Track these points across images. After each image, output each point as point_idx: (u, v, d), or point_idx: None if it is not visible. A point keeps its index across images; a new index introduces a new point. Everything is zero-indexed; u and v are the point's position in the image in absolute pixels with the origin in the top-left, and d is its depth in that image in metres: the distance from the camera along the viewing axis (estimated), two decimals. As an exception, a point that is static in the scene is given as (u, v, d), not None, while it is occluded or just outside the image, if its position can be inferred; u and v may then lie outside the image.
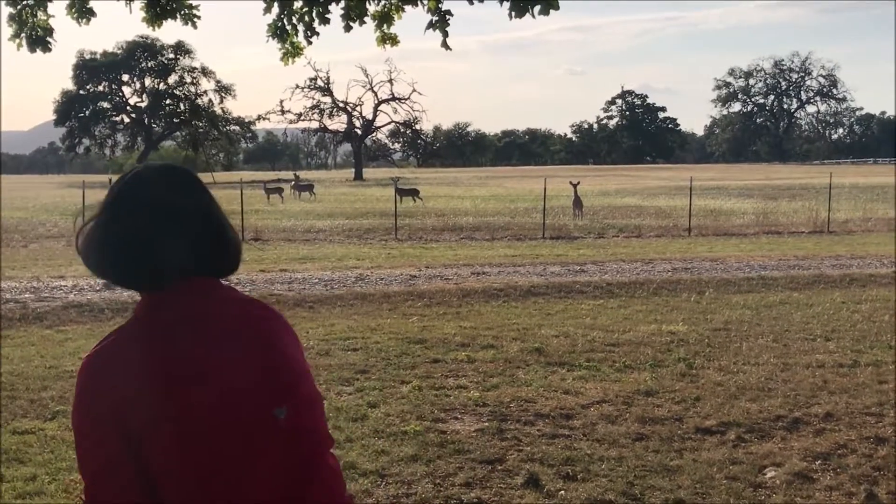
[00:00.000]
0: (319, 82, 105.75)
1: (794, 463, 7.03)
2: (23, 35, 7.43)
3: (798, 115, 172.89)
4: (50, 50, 7.51)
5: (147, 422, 2.09)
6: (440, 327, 12.77)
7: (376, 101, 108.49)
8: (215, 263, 2.31)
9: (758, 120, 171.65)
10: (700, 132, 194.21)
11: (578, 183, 37.46)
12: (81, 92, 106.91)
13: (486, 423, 8.11)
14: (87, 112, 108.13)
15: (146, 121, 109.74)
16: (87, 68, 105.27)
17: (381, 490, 6.55)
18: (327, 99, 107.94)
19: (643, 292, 16.25)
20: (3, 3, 7.51)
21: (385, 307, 14.62)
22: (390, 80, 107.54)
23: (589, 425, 8.06)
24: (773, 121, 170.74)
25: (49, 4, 7.48)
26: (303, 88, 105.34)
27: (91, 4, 7.55)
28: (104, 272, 2.25)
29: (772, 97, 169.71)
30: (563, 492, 6.50)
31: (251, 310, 2.33)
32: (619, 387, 9.37)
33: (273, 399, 2.21)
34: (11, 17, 7.44)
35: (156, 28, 7.75)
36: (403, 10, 7.65)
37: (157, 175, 2.32)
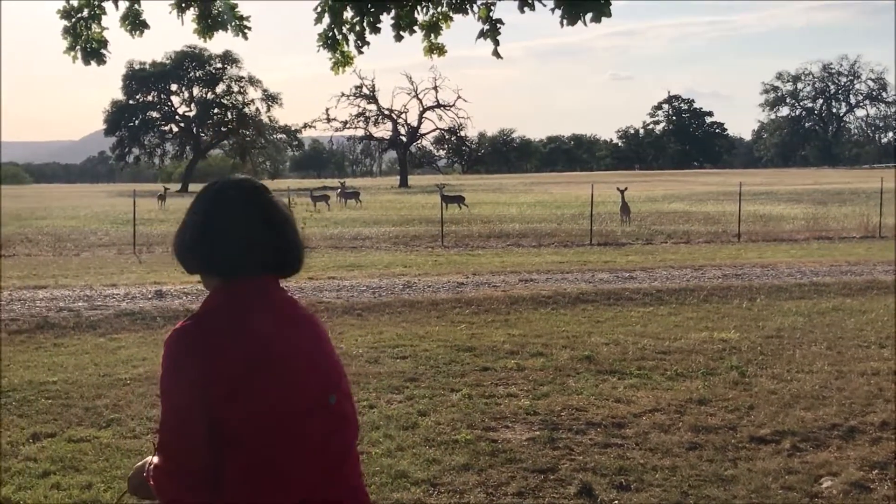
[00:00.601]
0: (365, 90, 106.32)
1: (851, 472, 6.92)
2: (77, 47, 7.51)
3: (847, 119, 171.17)
4: (105, 62, 7.60)
5: (226, 395, 2.49)
6: (489, 335, 12.75)
7: (421, 109, 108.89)
8: (284, 263, 2.76)
9: (806, 124, 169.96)
10: (748, 137, 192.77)
11: (626, 189, 37.29)
12: (131, 102, 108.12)
13: (538, 432, 8.07)
14: (136, 121, 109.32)
15: (194, 130, 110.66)
16: (137, 78, 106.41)
17: (434, 499, 6.54)
18: (373, 107, 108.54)
19: (694, 299, 16.12)
20: (57, 16, 7.60)
21: (433, 314, 14.62)
22: (435, 88, 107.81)
23: (641, 434, 7.99)
24: (821, 125, 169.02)
25: (103, 17, 7.55)
26: (348, 96, 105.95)
27: (144, 17, 7.62)
28: (200, 261, 2.69)
29: (820, 101, 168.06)
30: (616, 502, 6.45)
31: (303, 310, 2.81)
32: (672, 395, 9.29)
33: (328, 387, 2.68)
34: (66, 30, 7.53)
35: (207, 39, 7.81)
36: (452, 19, 7.65)
37: (241, 185, 2.80)
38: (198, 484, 2.54)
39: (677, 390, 9.50)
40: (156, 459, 2.63)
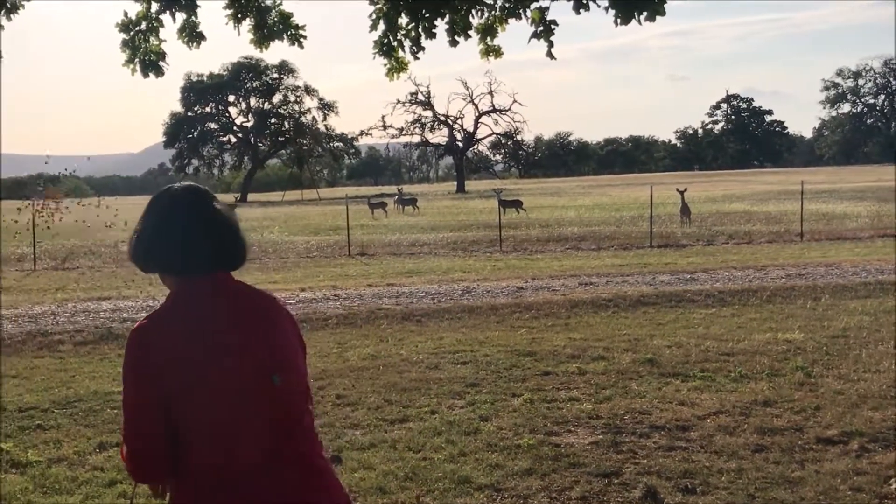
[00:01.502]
0: (420, 97, 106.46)
1: (922, 474, 6.79)
2: (136, 60, 7.60)
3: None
4: (163, 74, 7.68)
5: (183, 382, 2.87)
6: (549, 339, 12.69)
7: (477, 114, 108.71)
8: (230, 259, 3.11)
9: (868, 121, 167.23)
10: (809, 135, 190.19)
11: (685, 189, 36.98)
12: (189, 114, 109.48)
13: (601, 436, 8.01)
14: (195, 133, 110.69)
15: (252, 140, 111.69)
16: (195, 90, 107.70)
17: (497, 504, 6.52)
18: (428, 113, 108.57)
19: (756, 300, 15.93)
20: (115, 29, 7.69)
21: (493, 320, 14.60)
22: (490, 92, 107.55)
23: (706, 437, 7.90)
24: (884, 121, 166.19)
25: (160, 30, 7.64)
26: (404, 103, 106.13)
27: (201, 28, 7.70)
28: (157, 262, 3.07)
29: (882, 97, 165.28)
30: (682, 505, 6.39)
31: (259, 298, 3.15)
32: (736, 397, 9.18)
33: (273, 368, 3.00)
34: (125, 44, 7.62)
35: (263, 49, 7.87)
36: (507, 22, 7.63)
37: (188, 192, 3.13)
38: (159, 465, 2.95)
39: (742, 392, 9.39)
40: (122, 448, 3.03)
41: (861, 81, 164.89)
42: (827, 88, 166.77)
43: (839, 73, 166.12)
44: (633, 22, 6.59)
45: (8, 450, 7.89)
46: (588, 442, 7.86)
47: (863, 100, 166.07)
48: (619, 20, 6.60)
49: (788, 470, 6.98)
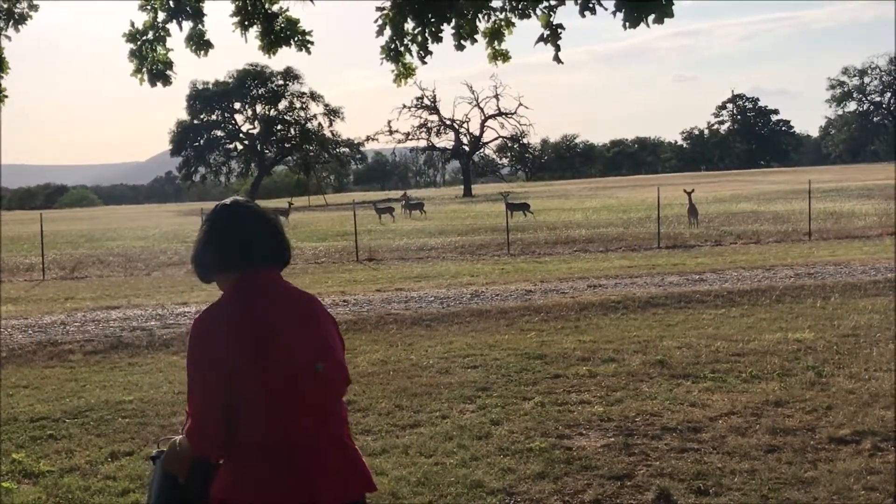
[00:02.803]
0: (426, 101, 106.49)
1: (936, 472, 6.77)
2: (144, 69, 7.62)
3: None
4: (171, 83, 7.71)
5: (241, 367, 3.27)
6: (559, 342, 12.68)
7: (483, 117, 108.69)
8: (280, 257, 3.60)
9: (875, 118, 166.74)
10: (815, 133, 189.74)
11: (693, 191, 36.94)
12: (195, 121, 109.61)
13: (612, 439, 8.00)
14: (201, 141, 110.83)
15: (259, 147, 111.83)
16: (201, 98, 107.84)
17: (510, 509, 6.52)
18: (434, 117, 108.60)
19: (766, 300, 15.91)
20: (123, 39, 7.72)
21: (502, 323, 14.59)
22: (496, 96, 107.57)
23: (718, 438, 7.89)
24: (891, 119, 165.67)
25: (167, 39, 7.66)
26: (410, 108, 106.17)
27: (208, 37, 7.72)
28: (223, 263, 3.52)
29: (888, 95, 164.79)
30: (695, 507, 6.38)
31: (302, 295, 3.62)
32: (747, 398, 9.16)
33: (317, 357, 3.39)
34: (132, 53, 7.65)
35: (271, 56, 7.89)
36: (514, 24, 7.64)
37: (241, 203, 3.64)
38: (219, 439, 3.32)
39: (753, 392, 9.37)
40: (188, 423, 3.42)
41: (867, 79, 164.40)
42: (833, 87, 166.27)
43: (845, 71, 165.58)
44: (642, 24, 6.58)
45: (20, 460, 7.90)
46: (600, 444, 7.85)
47: (869, 98, 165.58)
48: (627, 23, 6.60)
49: (801, 470, 6.96)
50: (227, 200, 3.65)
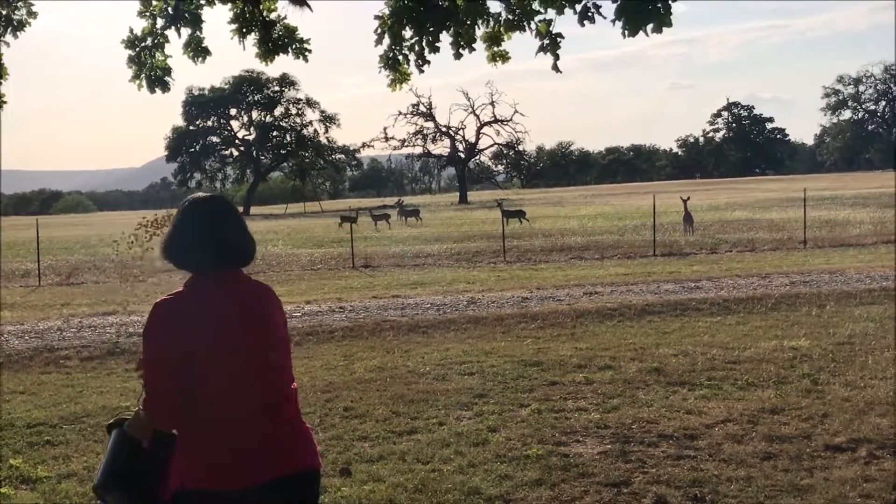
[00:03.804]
0: (422, 108, 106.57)
1: (932, 480, 6.79)
2: (142, 76, 7.64)
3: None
4: (169, 89, 7.73)
5: (198, 347, 3.54)
6: (555, 349, 12.70)
7: (478, 124, 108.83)
8: (235, 258, 3.79)
9: (869, 127, 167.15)
10: (810, 141, 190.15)
11: (688, 198, 37.01)
12: (191, 127, 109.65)
13: (609, 446, 8.02)
14: (197, 147, 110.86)
15: (254, 153, 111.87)
16: (197, 104, 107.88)
17: (507, 515, 6.53)
18: (430, 124, 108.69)
19: (761, 308, 15.94)
20: (122, 45, 7.74)
21: (498, 330, 14.60)
22: (492, 103, 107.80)
23: (714, 445, 7.91)
24: (885, 127, 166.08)
25: (166, 45, 7.67)
26: (406, 115, 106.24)
27: (206, 43, 7.74)
28: (177, 260, 3.74)
29: (883, 103, 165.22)
30: (692, 514, 6.40)
31: (258, 287, 3.87)
32: (744, 405, 9.18)
33: (270, 346, 3.74)
34: (131, 59, 7.67)
35: (268, 63, 7.91)
36: (511, 34, 7.67)
37: (205, 201, 3.82)
38: (173, 409, 3.56)
39: (749, 400, 9.39)
40: (144, 396, 3.62)
41: (862, 88, 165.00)
42: (828, 95, 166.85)
43: (840, 79, 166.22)
44: (641, 33, 6.62)
45: (17, 466, 7.90)
46: (597, 452, 7.87)
47: (864, 106, 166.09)
48: (626, 32, 6.63)
49: (797, 478, 6.98)
50: (200, 195, 3.84)
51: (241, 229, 3.80)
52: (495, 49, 7.93)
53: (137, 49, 7.74)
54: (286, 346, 3.89)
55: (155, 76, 7.78)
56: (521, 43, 8.00)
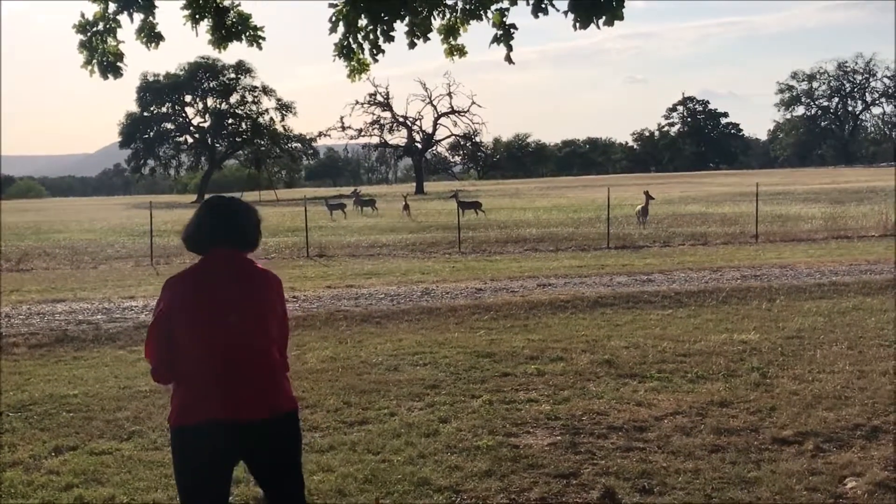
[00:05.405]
0: (379, 98, 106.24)
1: (875, 473, 6.88)
2: (94, 61, 7.53)
3: (863, 118, 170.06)
4: (121, 75, 7.62)
5: (181, 315, 4.40)
6: (508, 340, 12.72)
7: (436, 115, 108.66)
8: (235, 243, 4.61)
9: (822, 123, 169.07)
10: (763, 137, 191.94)
11: (653, 198, 37.30)
12: (145, 114, 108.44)
13: (559, 437, 8.05)
14: (151, 133, 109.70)
15: (209, 140, 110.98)
16: (151, 90, 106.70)
17: (457, 506, 6.53)
18: (387, 114, 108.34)
19: (712, 301, 16.07)
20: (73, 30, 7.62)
21: (452, 321, 14.60)
22: (449, 94, 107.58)
23: (663, 437, 7.96)
24: (837, 124, 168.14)
25: (118, 31, 7.57)
26: (363, 104, 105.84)
27: (159, 29, 7.64)
28: (186, 246, 4.65)
29: (836, 100, 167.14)
30: (640, 506, 6.44)
31: (259, 271, 4.68)
32: (693, 398, 9.25)
33: (237, 311, 4.45)
34: (82, 45, 7.55)
35: (221, 50, 7.83)
36: (469, 23, 7.65)
37: (223, 199, 4.75)
38: (165, 365, 4.45)
39: (698, 393, 9.47)
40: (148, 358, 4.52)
41: (815, 84, 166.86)
42: (782, 91, 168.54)
43: (794, 75, 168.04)
44: (592, 26, 6.63)
45: (-38, 454, 7.79)
46: (547, 443, 7.89)
47: (817, 102, 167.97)
48: (578, 24, 6.64)
49: (745, 470, 7.04)
50: (218, 196, 4.76)
51: (232, 219, 4.61)
52: (452, 42, 7.90)
53: (89, 34, 7.61)
54: (255, 313, 4.53)
55: (107, 62, 7.65)
56: (479, 34, 8.01)
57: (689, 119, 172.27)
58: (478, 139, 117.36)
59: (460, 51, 7.98)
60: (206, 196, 4.24)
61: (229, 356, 4.40)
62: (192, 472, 4.46)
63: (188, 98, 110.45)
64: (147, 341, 4.49)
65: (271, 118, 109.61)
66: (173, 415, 4.46)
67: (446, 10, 7.69)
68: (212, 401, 4.36)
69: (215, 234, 4.55)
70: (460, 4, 7.68)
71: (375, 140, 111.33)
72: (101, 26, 7.52)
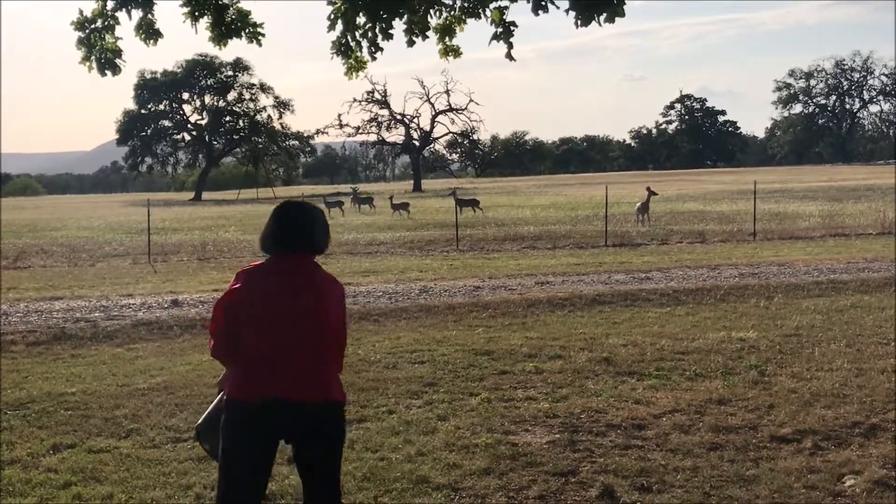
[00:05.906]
0: (377, 95, 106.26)
1: (874, 470, 6.89)
2: (92, 58, 7.52)
3: (861, 115, 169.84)
4: (120, 72, 7.60)
5: (248, 311, 4.77)
6: (506, 338, 12.72)
7: (433, 113, 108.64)
8: (297, 246, 4.89)
9: (820, 121, 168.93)
10: (761, 135, 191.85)
11: (656, 194, 37.32)
12: (143, 111, 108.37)
13: (558, 435, 8.05)
14: (148, 131, 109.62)
15: (207, 138, 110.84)
16: (149, 88, 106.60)
17: (455, 504, 6.53)
18: (385, 112, 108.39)
19: (710, 299, 16.07)
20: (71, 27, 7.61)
21: (450, 319, 14.60)
22: (447, 91, 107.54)
23: (662, 435, 7.96)
24: (835, 121, 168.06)
25: (116, 27, 7.55)
26: (360, 102, 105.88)
27: (157, 25, 7.63)
28: (267, 247, 4.95)
29: (833, 97, 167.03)
30: (638, 503, 6.43)
31: (320, 274, 4.90)
32: (691, 396, 9.25)
33: (290, 309, 4.78)
34: (80, 41, 7.54)
35: (221, 47, 7.82)
36: (466, 22, 7.64)
37: (293, 205, 5.06)
38: (224, 344, 4.84)
39: (697, 390, 9.47)
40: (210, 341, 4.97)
41: (813, 82, 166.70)
42: (779, 89, 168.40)
43: (791, 73, 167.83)
44: (593, 23, 6.63)
45: (-40, 452, 7.78)
46: (545, 441, 7.90)
47: (814, 100, 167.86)
48: (579, 21, 6.64)
49: (743, 468, 7.05)
50: (289, 201, 5.12)
51: (301, 223, 4.92)
52: (448, 43, 7.90)
53: (87, 31, 7.60)
54: (314, 315, 4.81)
55: (105, 59, 7.63)
56: (477, 32, 7.98)
57: (686, 117, 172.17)
58: (475, 137, 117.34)
59: (455, 51, 7.98)
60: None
61: (284, 343, 4.75)
62: (237, 443, 4.79)
63: (186, 95, 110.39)
64: (213, 320, 4.89)
65: (269, 116, 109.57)
66: (230, 389, 4.86)
67: (443, 9, 7.69)
68: (265, 380, 4.74)
69: (286, 237, 4.89)
70: (458, 2, 7.68)
71: (373, 138, 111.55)
72: (99, 23, 7.51)
